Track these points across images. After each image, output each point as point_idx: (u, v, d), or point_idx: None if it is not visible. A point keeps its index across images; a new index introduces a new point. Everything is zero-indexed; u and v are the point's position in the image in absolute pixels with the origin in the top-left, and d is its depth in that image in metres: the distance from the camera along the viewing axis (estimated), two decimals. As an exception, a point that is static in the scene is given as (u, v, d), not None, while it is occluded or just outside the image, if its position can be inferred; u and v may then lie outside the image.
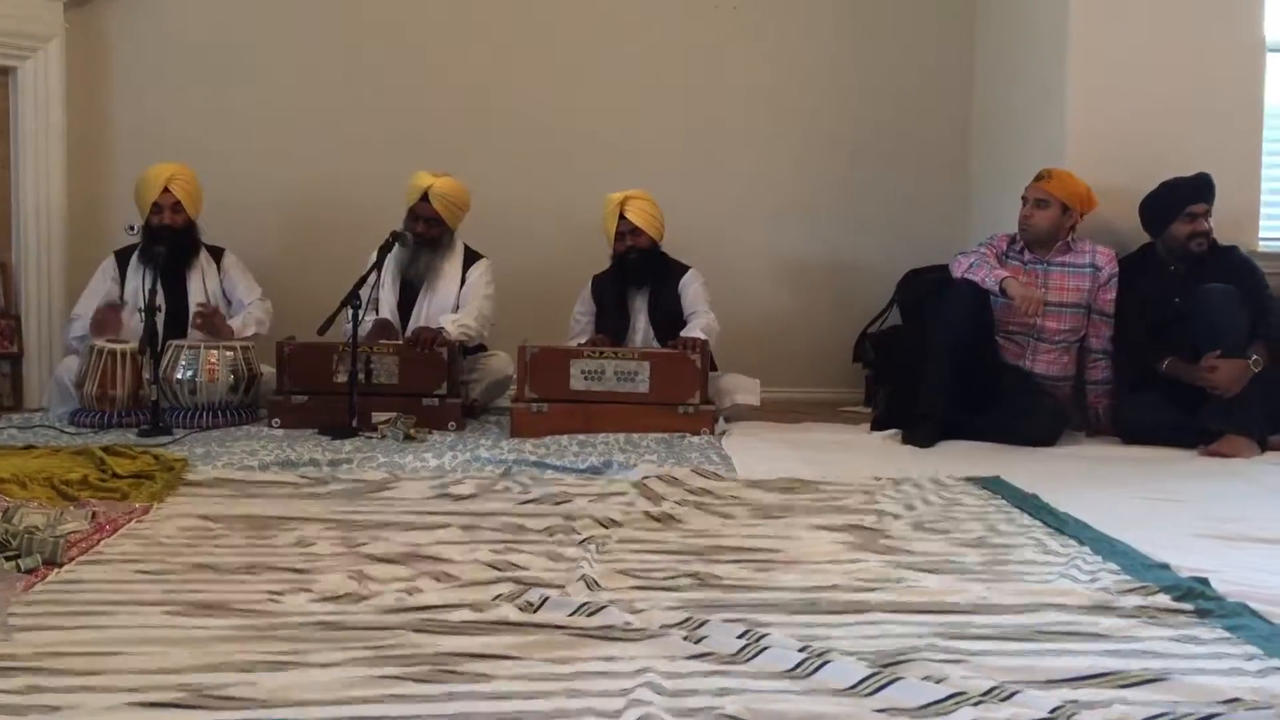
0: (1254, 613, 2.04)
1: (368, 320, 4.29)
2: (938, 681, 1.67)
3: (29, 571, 2.20)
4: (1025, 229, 4.30)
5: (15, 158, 4.80)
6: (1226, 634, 1.96)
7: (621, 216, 4.47)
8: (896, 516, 2.84)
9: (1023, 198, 4.32)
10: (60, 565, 2.27)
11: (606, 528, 2.67)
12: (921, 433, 4.01)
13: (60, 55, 4.85)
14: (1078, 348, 4.32)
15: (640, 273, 4.54)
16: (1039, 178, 4.28)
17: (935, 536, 2.66)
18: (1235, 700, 1.62)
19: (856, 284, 5.41)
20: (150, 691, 1.63)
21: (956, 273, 4.24)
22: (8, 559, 2.23)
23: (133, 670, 1.72)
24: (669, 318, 4.52)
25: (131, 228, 4.43)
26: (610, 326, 4.56)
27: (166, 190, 4.37)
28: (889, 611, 2.05)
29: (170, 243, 4.33)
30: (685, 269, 4.60)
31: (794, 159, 5.44)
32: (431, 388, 4.19)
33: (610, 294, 4.60)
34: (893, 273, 5.30)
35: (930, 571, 2.35)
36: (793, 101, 5.44)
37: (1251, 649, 1.88)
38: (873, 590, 2.18)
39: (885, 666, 1.72)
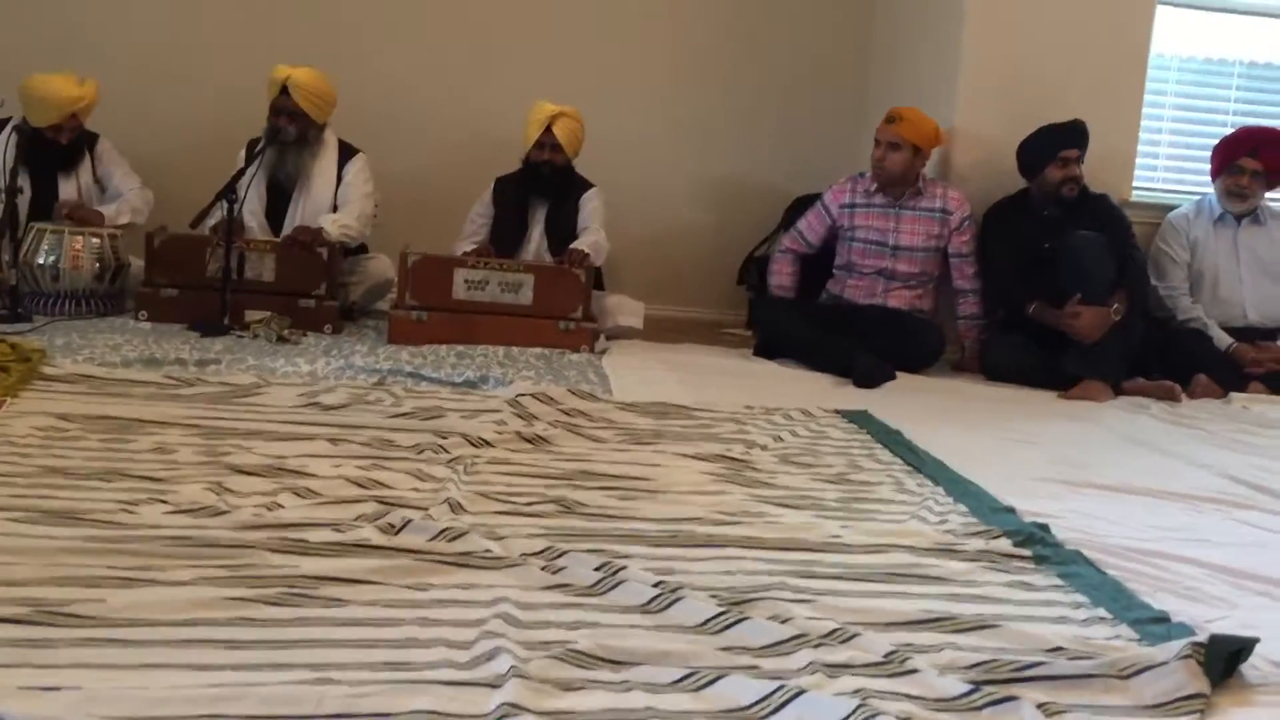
0: (1087, 561, 2.15)
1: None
2: (783, 621, 1.73)
3: None
4: (879, 171, 4.39)
5: None
6: (1060, 581, 2.06)
7: (548, 129, 4.40)
8: (764, 448, 2.90)
9: (875, 139, 4.39)
10: (-99, 463, 2.19)
11: (477, 447, 2.67)
12: (864, 372, 3.97)
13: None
14: (934, 286, 4.45)
15: (548, 186, 4.49)
16: (889, 120, 4.35)
17: (798, 470, 2.73)
18: (1059, 649, 1.71)
19: (745, 206, 5.43)
20: (-10, 606, 1.60)
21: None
22: None
23: (-27, 582, 1.68)
24: (565, 231, 4.48)
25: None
26: (506, 232, 4.51)
27: (73, 115, 4.13)
28: (745, 547, 2.11)
29: (56, 151, 4.17)
30: (589, 186, 4.56)
31: (687, 77, 5.40)
32: (309, 288, 4.10)
33: (511, 200, 4.54)
34: (782, 196, 5.32)
35: (789, 506, 2.42)
36: (689, 18, 5.37)
37: (1080, 597, 1.99)
38: (732, 524, 2.24)
39: (734, 605, 1.78)
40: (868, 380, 3.92)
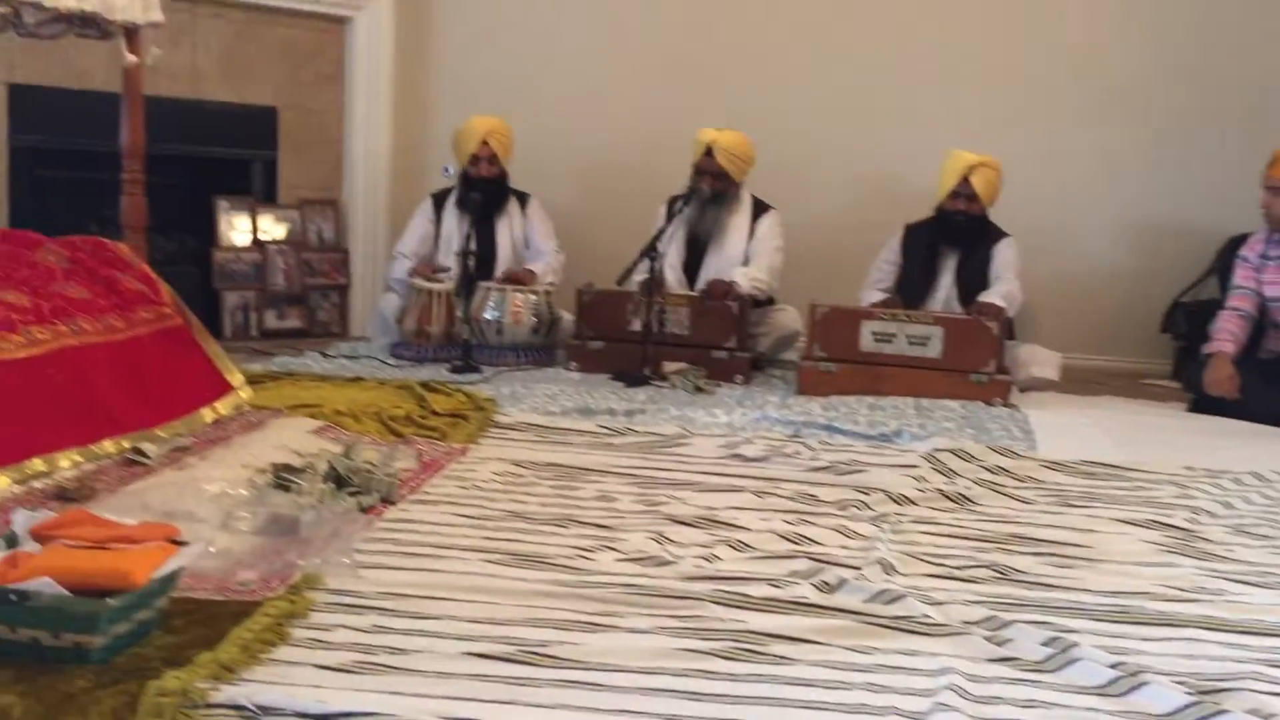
0: None
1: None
2: (1265, 718, 1.58)
3: (367, 509, 2.42)
4: (1267, 218, 4.09)
5: (348, 104, 5.17)
6: None
7: (965, 179, 4.37)
8: (1213, 515, 2.68)
9: (1264, 185, 4.09)
10: (393, 503, 2.48)
11: (900, 505, 2.66)
12: None
13: (391, 7, 5.17)
14: None
15: (960, 235, 4.44)
16: (1270, 163, 4.05)
17: (1257, 543, 2.49)
18: None
19: (1171, 247, 5.07)
20: (482, 642, 1.77)
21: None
22: (350, 495, 2.45)
23: (464, 618, 1.86)
24: (976, 281, 4.40)
25: (446, 169, 4.67)
26: (914, 281, 4.50)
27: (484, 143, 4.60)
28: (1206, 628, 1.95)
29: (484, 192, 4.59)
30: (1002, 235, 4.45)
31: (1107, 114, 5.13)
32: (721, 340, 4.26)
33: (921, 248, 4.52)
34: (1214, 236, 4.92)
35: (1253, 584, 2.21)
36: (1109, 56, 5.12)
37: None
38: (1189, 602, 2.08)
39: (1205, 694, 1.65)
40: None
